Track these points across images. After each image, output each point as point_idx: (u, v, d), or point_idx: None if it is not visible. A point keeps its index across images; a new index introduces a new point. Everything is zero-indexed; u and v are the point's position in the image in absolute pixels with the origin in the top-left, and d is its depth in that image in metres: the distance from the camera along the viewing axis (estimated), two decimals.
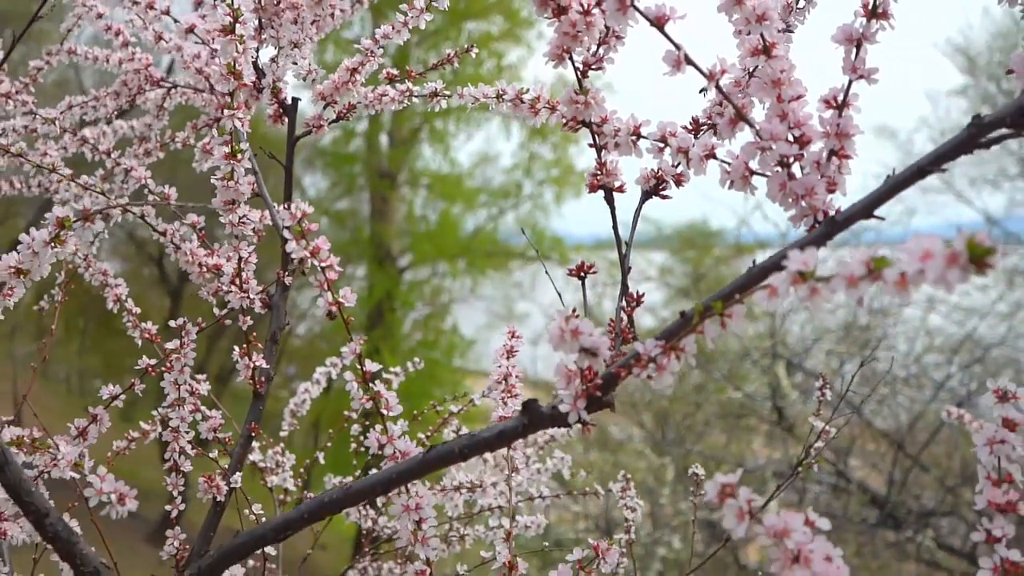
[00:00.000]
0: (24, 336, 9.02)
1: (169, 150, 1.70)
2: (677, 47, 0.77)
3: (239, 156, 1.03)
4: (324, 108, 1.31)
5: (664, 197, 0.91)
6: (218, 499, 1.11)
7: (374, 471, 0.85)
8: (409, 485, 0.84)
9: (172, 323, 1.12)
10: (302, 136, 1.31)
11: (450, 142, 10.54)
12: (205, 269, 1.21)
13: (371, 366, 0.86)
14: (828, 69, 0.81)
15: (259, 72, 1.25)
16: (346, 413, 1.84)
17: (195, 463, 1.17)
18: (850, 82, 0.75)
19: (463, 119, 10.02)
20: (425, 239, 10.27)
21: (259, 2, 1.20)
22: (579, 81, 0.87)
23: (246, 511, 1.34)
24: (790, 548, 0.53)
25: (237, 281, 1.14)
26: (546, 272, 1.13)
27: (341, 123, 1.35)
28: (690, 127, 0.88)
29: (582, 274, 0.93)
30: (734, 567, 5.94)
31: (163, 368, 1.12)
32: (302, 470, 1.83)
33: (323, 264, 0.82)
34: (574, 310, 0.70)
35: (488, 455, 1.74)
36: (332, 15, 1.27)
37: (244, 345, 1.15)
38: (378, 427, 0.86)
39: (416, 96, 1.32)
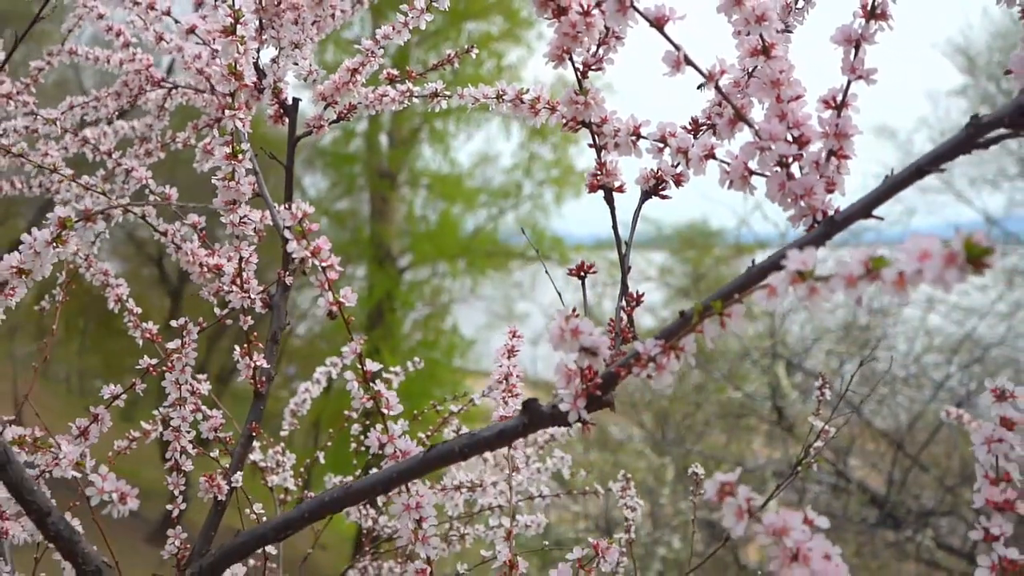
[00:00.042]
0: (24, 336, 9.03)
1: (169, 150, 1.71)
2: (677, 48, 0.78)
3: (240, 156, 1.04)
4: (325, 108, 1.31)
5: (664, 197, 0.92)
6: (219, 498, 1.11)
7: (374, 470, 0.85)
8: (410, 484, 0.84)
9: (174, 323, 1.13)
10: (303, 136, 1.32)
11: (450, 142, 10.55)
12: (206, 269, 1.21)
13: (372, 366, 0.86)
14: (827, 69, 0.81)
15: (260, 73, 1.26)
16: (346, 413, 1.85)
17: (196, 463, 1.17)
18: (849, 82, 0.75)
19: (463, 119, 10.02)
20: (425, 239, 10.27)
21: (260, 3, 1.20)
22: (579, 82, 0.87)
23: (247, 510, 1.35)
24: (789, 546, 0.53)
25: (238, 281, 1.14)
26: (546, 272, 1.13)
27: (341, 123, 1.35)
28: (689, 127, 0.88)
29: (582, 274, 0.93)
30: (734, 567, 5.94)
31: (164, 368, 1.13)
32: (302, 470, 1.83)
33: (324, 264, 0.82)
34: (574, 310, 0.70)
35: (488, 454, 1.74)
36: (333, 16, 1.27)
37: (245, 345, 1.15)
38: (379, 426, 0.86)
39: (416, 96, 1.32)
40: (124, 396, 1.14)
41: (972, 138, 0.65)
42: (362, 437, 1.85)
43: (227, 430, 1.21)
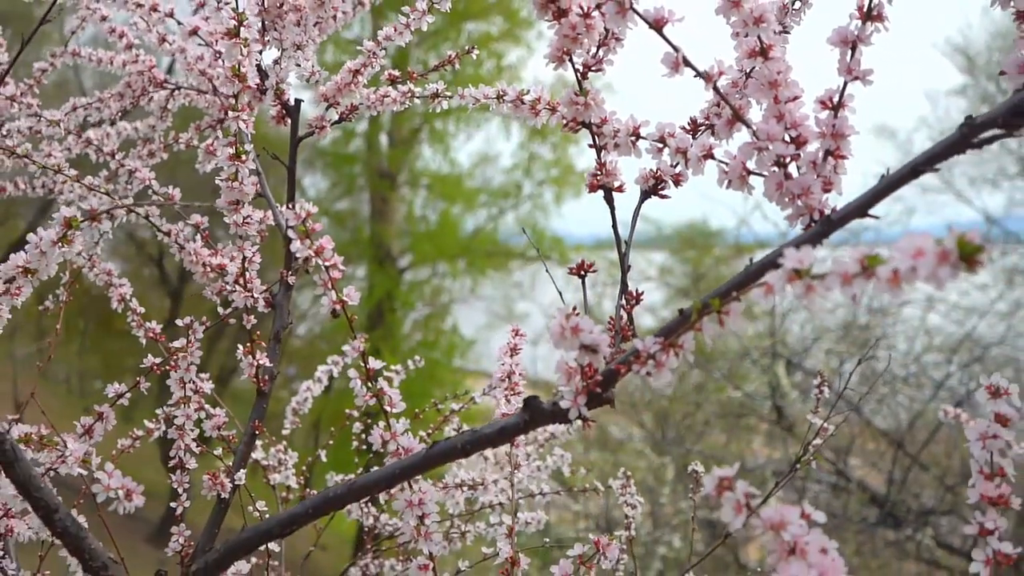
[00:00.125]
0: (24, 337, 9.03)
1: (171, 151, 1.72)
2: (675, 49, 0.79)
3: (244, 157, 1.05)
4: (327, 109, 1.32)
5: (663, 197, 0.92)
6: (222, 496, 1.12)
7: (375, 469, 0.86)
8: (412, 481, 0.85)
9: (179, 322, 1.13)
10: (305, 137, 1.33)
11: (450, 142, 10.55)
12: (209, 269, 1.22)
13: (375, 363, 0.87)
14: (824, 70, 0.82)
15: (262, 74, 1.27)
16: (348, 412, 1.86)
17: (197, 463, 1.18)
18: (845, 83, 0.76)
19: (463, 119, 10.02)
20: (425, 239, 10.28)
21: (263, 5, 1.21)
22: (579, 83, 0.88)
23: (250, 508, 1.36)
24: (786, 540, 0.54)
25: (241, 281, 1.15)
26: (547, 271, 1.14)
27: (342, 124, 1.36)
28: (688, 128, 0.89)
29: (582, 273, 0.94)
30: (734, 566, 5.95)
31: (168, 367, 1.14)
32: (304, 468, 1.84)
33: (327, 263, 0.83)
34: (574, 308, 0.71)
35: (489, 453, 1.75)
36: (335, 17, 1.28)
37: (248, 344, 1.16)
38: (382, 424, 0.87)
39: (417, 97, 1.33)
40: (128, 395, 1.15)
41: (967, 138, 0.66)
42: (364, 435, 1.86)
43: (229, 429, 1.22)
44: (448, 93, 1.31)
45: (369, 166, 10.23)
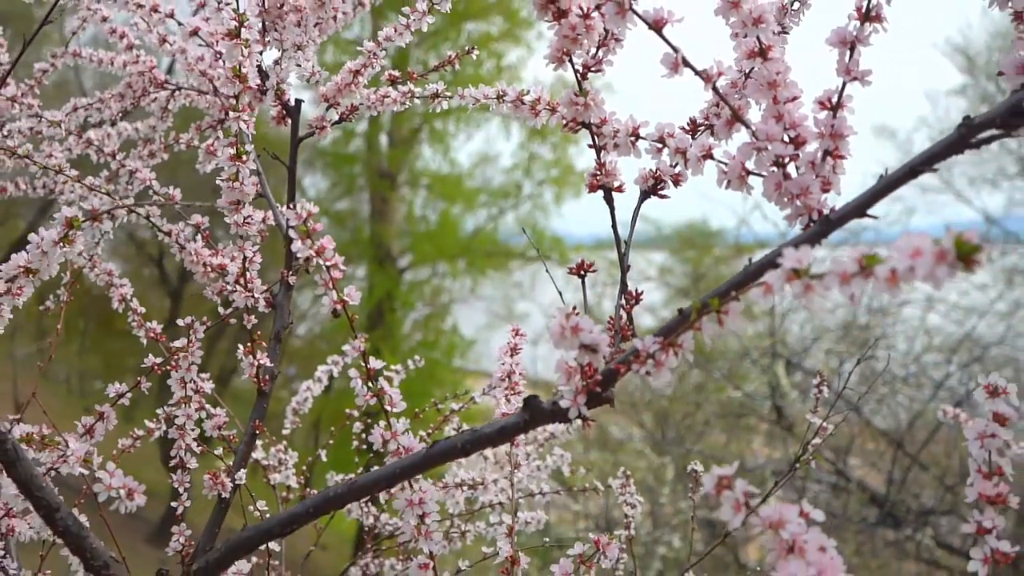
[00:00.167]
0: (25, 337, 9.03)
1: (171, 151, 1.72)
2: (675, 50, 0.79)
3: (244, 158, 1.05)
4: (327, 109, 1.33)
5: (662, 197, 0.93)
6: (223, 495, 1.12)
7: (376, 468, 0.86)
8: (412, 480, 0.85)
9: (180, 322, 1.14)
10: (305, 137, 1.33)
11: (450, 142, 10.55)
12: (210, 269, 1.22)
13: (375, 363, 0.88)
14: (823, 70, 0.83)
15: (263, 74, 1.27)
16: (348, 411, 1.86)
17: (197, 462, 1.18)
18: (844, 84, 0.77)
19: (463, 119, 10.02)
20: (425, 239, 10.28)
21: (263, 5, 1.22)
22: (579, 83, 0.88)
23: (250, 507, 1.36)
24: (785, 538, 0.54)
25: (242, 281, 1.16)
26: (547, 271, 1.14)
27: (342, 124, 1.36)
28: (688, 128, 0.89)
29: (582, 272, 0.94)
30: (734, 566, 5.96)
31: (168, 367, 1.14)
32: (304, 468, 1.84)
33: (328, 263, 0.84)
34: (574, 308, 0.72)
35: (489, 453, 1.75)
36: (335, 17, 1.29)
37: (249, 344, 1.16)
38: (382, 423, 0.87)
39: (417, 97, 1.34)
40: (129, 394, 1.15)
41: (965, 138, 0.66)
42: (364, 435, 1.87)
43: (229, 429, 1.22)
44: (448, 93, 1.31)
45: (369, 166, 10.23)
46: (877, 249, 0.53)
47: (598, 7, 0.81)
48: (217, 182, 1.08)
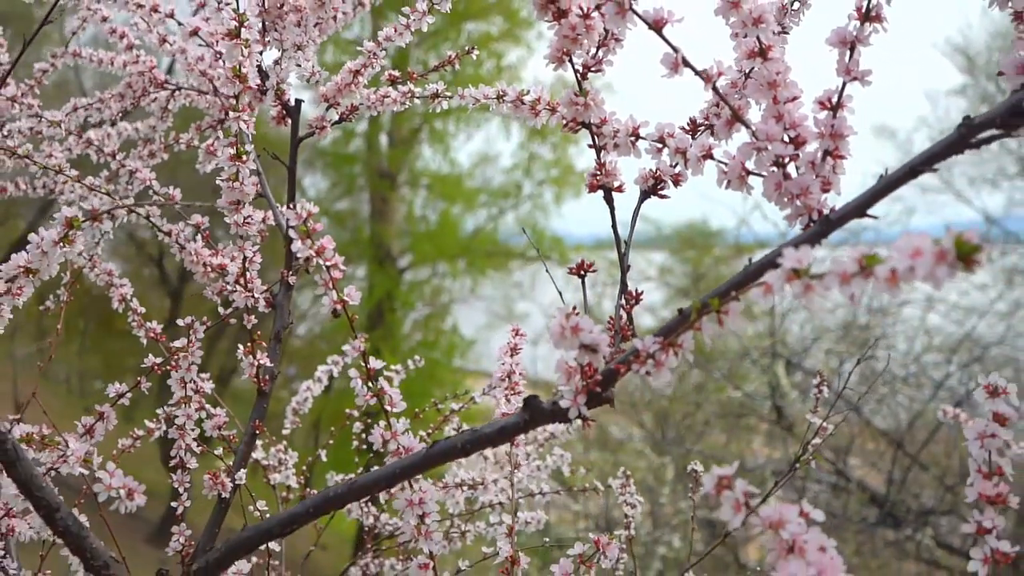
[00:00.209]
0: (25, 337, 9.03)
1: (171, 151, 1.72)
2: (675, 50, 0.79)
3: (244, 158, 1.05)
4: (327, 110, 1.33)
5: (662, 197, 0.93)
6: (223, 495, 1.12)
7: (376, 468, 0.86)
8: (412, 480, 0.85)
9: (180, 322, 1.14)
10: (306, 137, 1.33)
11: (450, 142, 10.55)
12: (210, 269, 1.22)
13: (375, 363, 0.88)
14: (823, 70, 0.83)
15: (263, 74, 1.27)
16: (348, 411, 1.86)
17: (197, 462, 1.18)
18: (844, 84, 0.77)
19: (463, 119, 10.02)
20: (425, 239, 10.28)
21: (263, 5, 1.22)
22: (579, 83, 0.88)
23: (250, 507, 1.36)
24: (785, 538, 0.54)
25: (242, 281, 1.16)
26: (547, 271, 1.14)
27: (342, 124, 1.36)
28: (688, 128, 0.89)
29: (582, 272, 0.94)
30: (734, 566, 5.96)
31: (169, 367, 1.14)
32: (304, 468, 1.84)
33: (328, 263, 0.84)
34: (574, 308, 0.72)
35: (489, 452, 1.76)
36: (335, 17, 1.29)
37: (249, 344, 1.16)
38: (382, 423, 0.87)
39: (417, 98, 1.34)
40: (129, 394, 1.15)
41: (965, 138, 0.66)
42: (364, 435, 1.87)
43: (229, 429, 1.22)
44: (448, 93, 1.31)
45: (369, 166, 10.23)
46: (877, 249, 0.53)
47: (598, 7, 0.81)
48: (217, 182, 1.08)
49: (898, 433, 6.39)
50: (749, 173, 0.81)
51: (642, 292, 0.89)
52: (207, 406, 1.17)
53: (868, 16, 0.75)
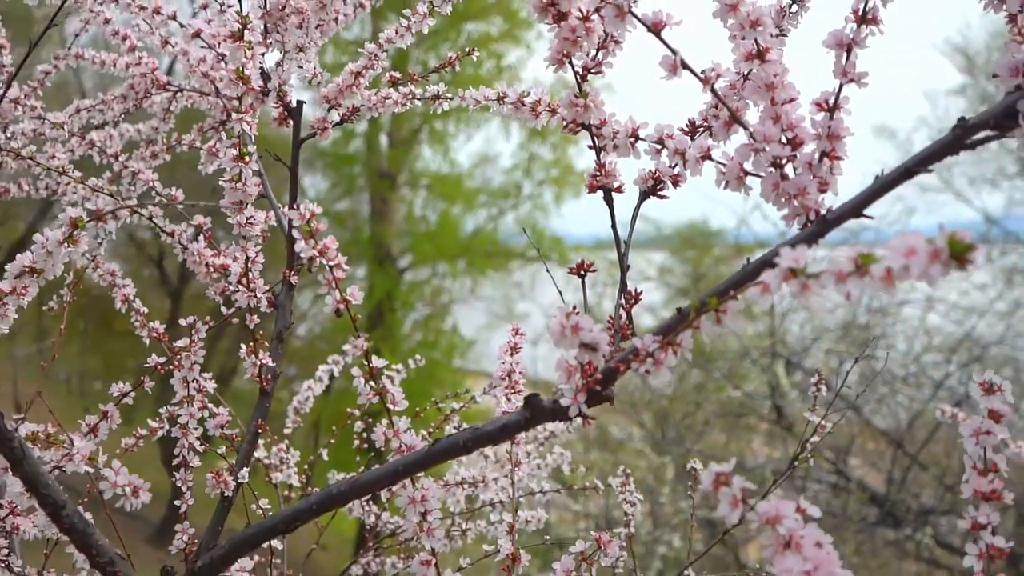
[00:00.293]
0: (25, 337, 9.04)
1: (173, 152, 1.73)
2: (673, 52, 0.80)
3: (247, 159, 1.06)
4: (328, 111, 1.34)
5: (662, 197, 0.94)
6: (226, 494, 1.13)
7: (378, 466, 0.87)
8: (414, 478, 0.86)
9: (182, 322, 1.15)
10: (307, 138, 1.34)
11: (450, 143, 10.56)
12: (212, 269, 1.23)
13: (377, 361, 0.88)
14: (821, 72, 0.83)
15: (265, 76, 1.28)
16: (349, 411, 1.87)
17: (200, 461, 1.19)
18: (841, 86, 0.78)
19: (463, 120, 10.03)
20: (425, 239, 10.28)
21: (265, 7, 1.23)
22: (579, 85, 0.89)
23: (252, 506, 1.37)
24: (782, 534, 0.55)
25: (244, 281, 1.16)
26: (547, 270, 1.15)
27: (343, 125, 1.37)
28: (686, 129, 0.90)
29: (582, 272, 0.95)
30: (734, 566, 5.96)
31: (171, 366, 1.15)
32: (306, 467, 1.85)
33: (331, 263, 0.84)
34: (574, 307, 0.72)
35: (489, 451, 1.76)
36: (336, 19, 1.30)
37: (251, 344, 1.17)
38: (384, 422, 0.88)
39: (418, 99, 1.34)
40: (132, 393, 1.16)
41: (959, 139, 0.67)
42: (364, 434, 1.88)
43: (231, 428, 1.23)
44: (449, 95, 1.32)
45: (369, 166, 10.23)
46: (877, 249, 0.54)
47: (597, 10, 0.81)
48: (220, 183, 1.09)
49: (898, 433, 6.40)
50: (747, 174, 0.82)
51: (642, 292, 0.90)
52: (210, 405, 1.18)
53: (865, 18, 0.76)
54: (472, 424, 0.88)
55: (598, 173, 0.94)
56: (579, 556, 0.97)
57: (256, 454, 1.60)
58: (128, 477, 0.89)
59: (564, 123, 0.93)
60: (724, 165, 0.84)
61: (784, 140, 0.79)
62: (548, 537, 1.77)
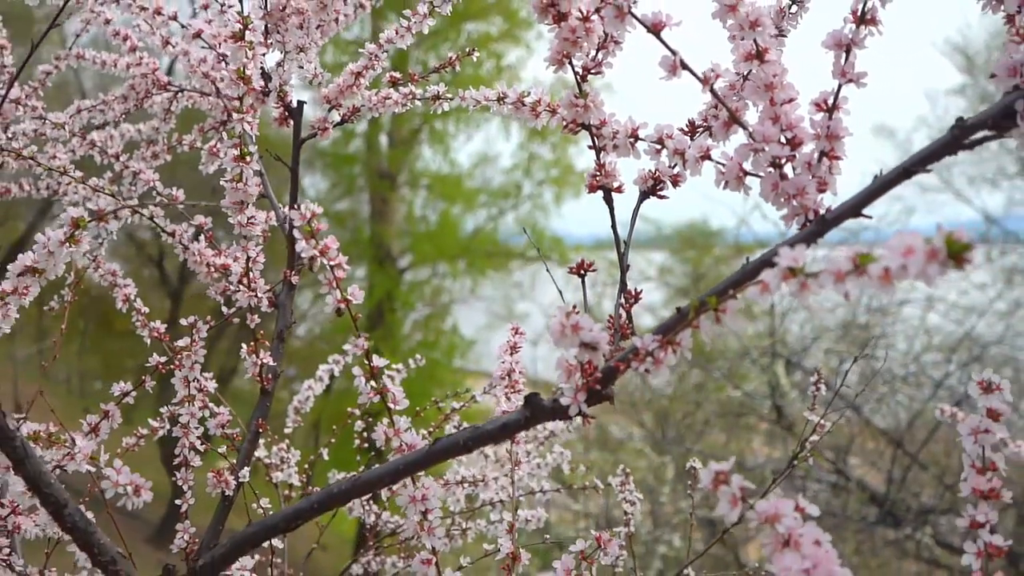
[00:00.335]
0: (25, 338, 9.04)
1: (173, 152, 1.73)
2: (673, 53, 0.80)
3: (248, 159, 1.06)
4: (329, 111, 1.34)
5: (661, 197, 0.94)
6: (227, 493, 1.14)
7: (378, 466, 0.87)
8: (415, 477, 0.86)
9: (183, 321, 1.15)
10: (308, 138, 1.34)
11: (450, 143, 10.56)
12: (213, 269, 1.23)
13: (378, 361, 0.89)
14: (820, 72, 0.84)
15: (265, 76, 1.28)
16: (349, 410, 1.87)
17: (201, 460, 1.19)
18: (840, 86, 0.78)
19: (463, 120, 10.03)
20: (425, 240, 10.29)
21: (266, 8, 1.23)
22: (579, 85, 0.90)
23: (253, 505, 1.37)
24: (781, 532, 0.55)
25: (245, 280, 1.17)
26: (547, 270, 1.16)
27: (343, 125, 1.38)
28: (686, 129, 0.91)
29: (582, 272, 0.95)
30: (734, 565, 5.97)
31: (172, 366, 1.15)
32: (306, 466, 1.86)
33: (332, 263, 0.85)
34: (574, 307, 0.73)
35: (489, 451, 1.77)
36: (336, 20, 1.30)
37: (252, 343, 1.17)
38: (385, 421, 0.88)
39: (419, 99, 1.35)
40: (133, 393, 1.16)
41: (957, 140, 0.67)
42: (365, 434, 1.88)
43: (232, 427, 1.23)
44: (449, 95, 1.32)
45: (369, 166, 10.23)
46: (876, 249, 0.54)
47: (597, 10, 0.82)
48: (221, 183, 1.09)
49: (898, 432, 6.40)
50: (746, 174, 0.82)
51: (641, 291, 0.90)
52: (210, 405, 1.19)
53: (864, 19, 0.76)
54: (472, 423, 0.88)
55: (598, 173, 0.94)
56: (579, 555, 0.97)
57: (257, 453, 1.60)
58: (130, 476, 0.89)
59: (564, 123, 0.94)
60: (723, 165, 0.84)
61: (783, 140, 0.79)
62: (548, 536, 1.77)
